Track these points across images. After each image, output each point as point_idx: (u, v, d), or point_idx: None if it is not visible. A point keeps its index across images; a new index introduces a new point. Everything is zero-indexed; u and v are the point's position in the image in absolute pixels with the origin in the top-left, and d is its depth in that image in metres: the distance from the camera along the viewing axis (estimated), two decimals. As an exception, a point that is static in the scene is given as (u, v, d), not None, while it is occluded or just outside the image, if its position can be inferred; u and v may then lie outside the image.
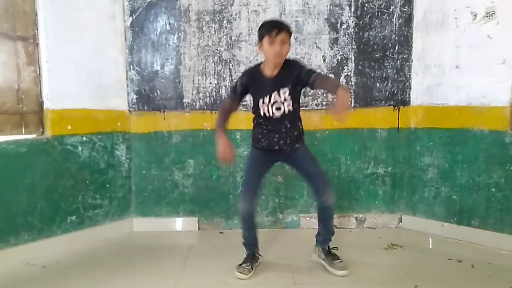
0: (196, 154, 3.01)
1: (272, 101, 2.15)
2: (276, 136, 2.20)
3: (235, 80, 2.38)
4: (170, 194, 3.03)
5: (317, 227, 2.34)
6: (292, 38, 2.86)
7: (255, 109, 2.23)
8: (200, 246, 2.75)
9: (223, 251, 2.60)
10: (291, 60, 2.20)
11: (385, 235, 2.87)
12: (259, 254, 2.37)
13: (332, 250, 2.34)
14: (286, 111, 2.16)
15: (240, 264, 2.27)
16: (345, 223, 3.05)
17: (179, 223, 3.05)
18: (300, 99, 2.24)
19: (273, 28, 2.06)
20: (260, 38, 2.12)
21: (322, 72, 2.16)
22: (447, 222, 2.82)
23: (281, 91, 2.13)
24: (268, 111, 2.17)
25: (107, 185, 2.88)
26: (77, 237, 2.69)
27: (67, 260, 2.47)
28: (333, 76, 2.95)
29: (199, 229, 3.04)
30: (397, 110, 3.00)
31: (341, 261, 2.27)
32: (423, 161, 2.92)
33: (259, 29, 2.15)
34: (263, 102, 2.17)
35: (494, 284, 2.11)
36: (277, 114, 2.17)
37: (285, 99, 2.14)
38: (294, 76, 2.11)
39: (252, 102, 2.28)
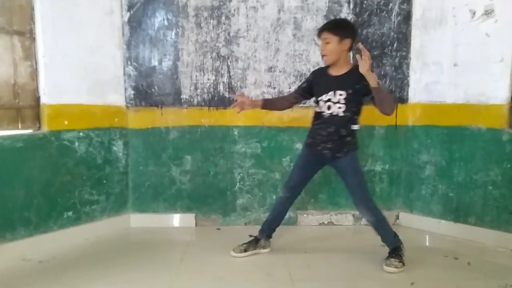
0: (193, 151, 3.00)
1: (327, 98, 2.22)
2: (318, 138, 2.27)
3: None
4: (167, 190, 3.02)
5: None
6: (293, 33, 2.88)
7: (316, 106, 2.33)
8: (198, 242, 2.76)
9: (220, 248, 2.60)
10: None
11: (382, 232, 2.88)
12: (264, 244, 2.49)
13: (396, 251, 2.28)
14: (335, 113, 2.20)
15: (240, 244, 2.46)
16: (342, 220, 3.06)
17: (176, 219, 3.05)
18: (359, 115, 2.27)
19: (318, 30, 2.25)
20: None
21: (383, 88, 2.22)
22: (444, 219, 2.83)
23: (338, 92, 2.19)
24: (321, 108, 2.25)
25: (104, 181, 2.87)
26: (74, 233, 2.68)
27: (63, 256, 2.46)
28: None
29: (196, 225, 3.04)
30: (395, 108, 2.99)
31: (396, 260, 2.23)
32: (420, 158, 2.93)
33: None
34: (321, 99, 2.25)
35: (490, 281, 2.12)
36: (327, 113, 2.23)
37: (338, 101, 2.19)
38: (360, 84, 2.12)
39: (315, 101, 2.37)
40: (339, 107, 2.19)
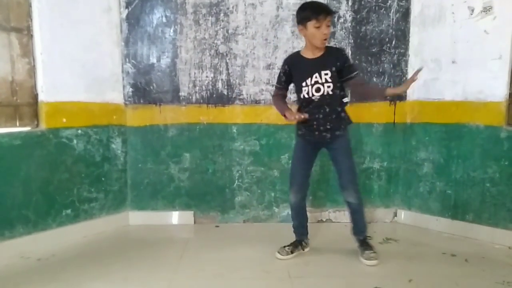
0: (192, 148, 3.00)
1: (313, 81, 2.20)
2: (315, 123, 2.25)
3: (278, 72, 2.41)
4: (166, 188, 3.02)
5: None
6: (291, 30, 2.89)
7: (298, 93, 2.30)
8: (196, 240, 2.76)
9: (219, 245, 2.61)
10: (336, 47, 2.37)
11: (380, 229, 2.88)
12: (305, 243, 2.50)
13: (366, 240, 2.41)
14: (325, 92, 2.20)
15: (283, 246, 2.42)
16: (340, 217, 3.06)
17: (175, 216, 3.05)
18: (344, 90, 2.29)
19: (322, 12, 2.11)
20: (304, 20, 2.14)
21: (360, 75, 2.26)
22: (441, 216, 2.84)
23: (323, 73, 2.18)
24: (308, 93, 2.22)
25: (103, 179, 2.86)
26: (73, 230, 2.68)
27: (62, 253, 2.47)
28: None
29: (195, 222, 3.04)
30: (393, 105, 3.00)
31: (372, 252, 2.32)
32: (418, 156, 2.93)
33: (302, 10, 2.17)
34: (305, 84, 2.22)
35: (488, 278, 2.13)
36: (317, 95, 2.21)
37: (326, 81, 2.19)
38: (339, 62, 2.19)
39: (295, 88, 2.33)
40: (328, 86, 2.19)
